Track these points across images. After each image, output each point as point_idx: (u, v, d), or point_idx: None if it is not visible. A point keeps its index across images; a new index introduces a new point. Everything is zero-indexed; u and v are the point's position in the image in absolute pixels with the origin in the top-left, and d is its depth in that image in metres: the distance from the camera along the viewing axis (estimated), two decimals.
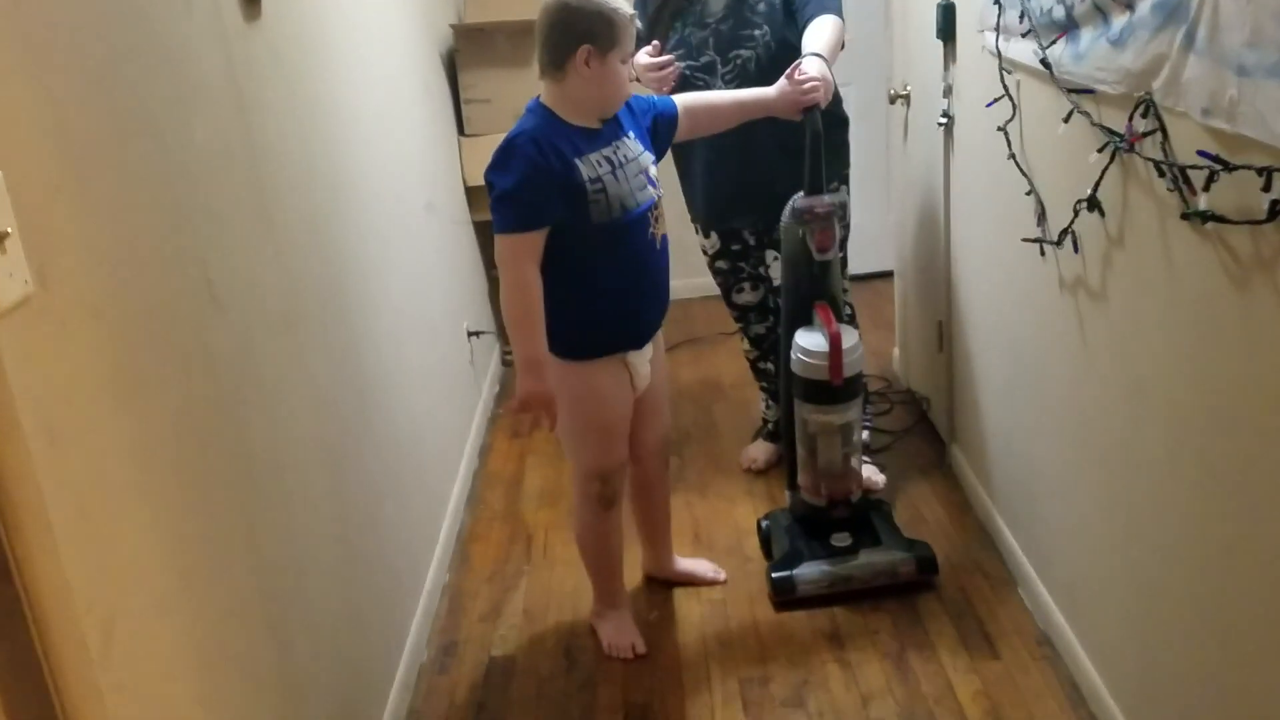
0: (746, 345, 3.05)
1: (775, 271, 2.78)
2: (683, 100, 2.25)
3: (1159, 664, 1.73)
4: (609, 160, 2.00)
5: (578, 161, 1.95)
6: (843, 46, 2.48)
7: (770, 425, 3.06)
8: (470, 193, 3.62)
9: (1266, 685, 1.40)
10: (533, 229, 1.94)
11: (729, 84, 2.59)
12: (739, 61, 2.60)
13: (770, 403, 3.05)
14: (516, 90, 3.55)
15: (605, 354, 2.09)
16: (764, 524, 2.63)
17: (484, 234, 3.83)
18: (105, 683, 1.07)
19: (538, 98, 2.03)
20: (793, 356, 2.38)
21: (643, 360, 2.19)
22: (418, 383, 2.64)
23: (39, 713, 1.01)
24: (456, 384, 3.15)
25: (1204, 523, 1.53)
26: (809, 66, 2.28)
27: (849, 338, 2.34)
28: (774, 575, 2.41)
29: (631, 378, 2.17)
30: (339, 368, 2.02)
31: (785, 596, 2.39)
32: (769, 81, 2.34)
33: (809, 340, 2.34)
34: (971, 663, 2.18)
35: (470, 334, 3.34)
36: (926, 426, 3.15)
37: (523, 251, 1.94)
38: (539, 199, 1.93)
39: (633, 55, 2.14)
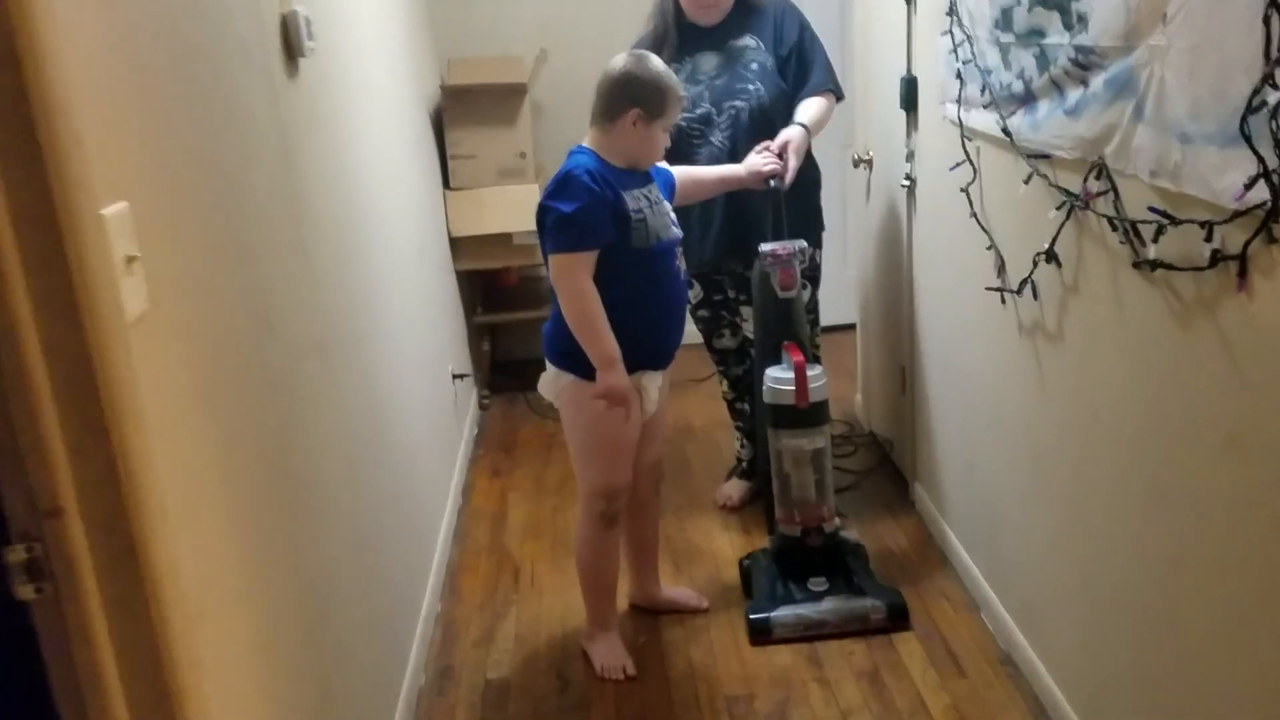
0: (725, 387, 3.24)
1: (749, 326, 2.99)
2: (676, 172, 2.52)
3: (1112, 675, 1.91)
4: (645, 198, 2.26)
5: (624, 194, 2.20)
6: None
7: (744, 464, 3.23)
8: (454, 243, 3.78)
9: (1209, 689, 1.58)
10: (587, 248, 2.18)
11: (724, 133, 2.82)
12: (733, 112, 2.82)
13: (745, 442, 3.22)
14: (499, 148, 3.77)
15: (593, 395, 2.24)
16: (745, 563, 2.77)
17: (465, 282, 3.99)
18: (197, 657, 1.20)
19: (581, 144, 2.29)
20: (764, 389, 2.57)
21: (655, 384, 2.37)
22: (412, 418, 2.77)
23: (151, 681, 1.13)
24: (442, 423, 3.28)
25: (1150, 543, 1.72)
26: (782, 137, 2.64)
27: (814, 369, 2.55)
28: (751, 617, 2.54)
29: (643, 400, 2.34)
30: (358, 395, 2.16)
31: (761, 638, 2.51)
32: (760, 128, 2.75)
33: (778, 372, 2.55)
34: (941, 681, 2.34)
35: (454, 376, 3.47)
36: (889, 467, 3.34)
37: (579, 267, 2.18)
38: (594, 221, 2.16)
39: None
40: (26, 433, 1.03)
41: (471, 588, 2.86)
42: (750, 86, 2.81)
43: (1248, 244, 1.35)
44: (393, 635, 2.30)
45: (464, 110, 3.78)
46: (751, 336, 2.94)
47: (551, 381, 2.36)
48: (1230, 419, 1.46)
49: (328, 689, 1.75)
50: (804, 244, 2.60)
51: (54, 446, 1.04)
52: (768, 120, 2.77)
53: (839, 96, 2.90)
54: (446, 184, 3.80)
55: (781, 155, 2.63)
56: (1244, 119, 1.30)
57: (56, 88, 1.00)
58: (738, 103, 2.81)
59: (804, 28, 2.89)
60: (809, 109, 2.76)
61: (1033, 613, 2.28)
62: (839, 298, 4.09)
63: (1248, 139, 1.29)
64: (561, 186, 2.20)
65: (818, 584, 2.58)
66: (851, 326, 3.87)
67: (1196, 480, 1.56)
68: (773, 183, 2.62)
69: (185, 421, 1.27)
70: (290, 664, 1.58)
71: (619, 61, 2.29)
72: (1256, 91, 1.28)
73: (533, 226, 2.28)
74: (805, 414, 2.53)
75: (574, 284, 2.19)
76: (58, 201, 1.00)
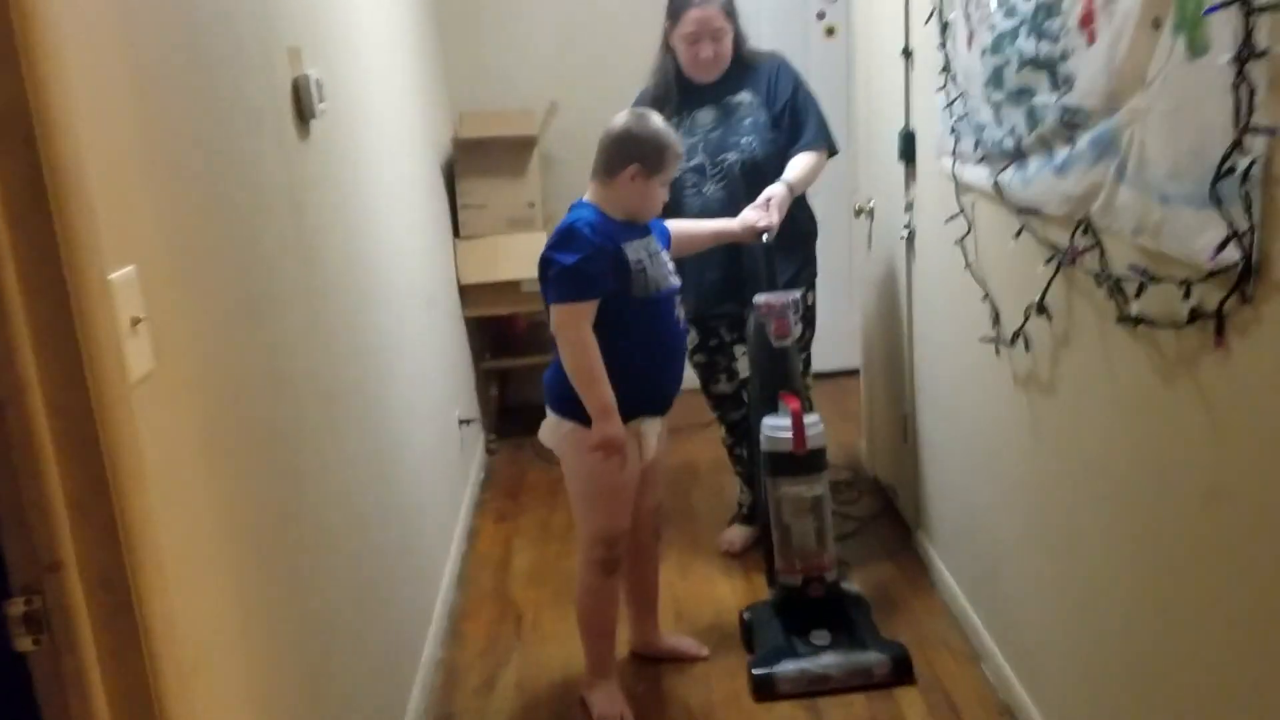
0: (723, 432, 3.27)
1: (743, 365, 3.05)
2: (672, 226, 2.58)
3: None
4: (645, 249, 2.32)
5: (624, 245, 2.26)
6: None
7: (745, 509, 3.25)
8: (463, 290, 3.84)
9: None
10: (589, 299, 2.23)
11: (717, 183, 2.92)
12: (725, 164, 2.91)
13: (745, 487, 3.25)
14: (509, 198, 3.84)
15: (626, 420, 2.28)
16: (746, 616, 2.74)
17: (474, 329, 4.05)
18: (191, 709, 1.23)
19: (583, 197, 2.35)
20: (761, 438, 2.58)
21: (654, 431, 2.40)
22: (418, 464, 2.81)
23: None
24: (448, 468, 3.32)
25: (1138, 594, 1.73)
26: (765, 194, 2.74)
27: (810, 416, 2.57)
28: (755, 672, 2.50)
29: (641, 447, 2.37)
30: (363, 443, 2.20)
31: (765, 694, 2.48)
32: (751, 179, 2.86)
33: (774, 420, 2.57)
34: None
35: (461, 422, 3.51)
36: (893, 514, 3.35)
37: (580, 317, 2.23)
38: (596, 272, 2.22)
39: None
40: (29, 489, 1.07)
41: (474, 634, 2.88)
42: (743, 140, 2.91)
43: (1223, 303, 1.38)
44: (394, 682, 2.32)
45: (475, 161, 3.86)
46: (745, 377, 2.99)
47: (552, 429, 2.40)
48: (1210, 473, 1.48)
49: None
50: (797, 295, 2.65)
51: (56, 503, 1.08)
52: (759, 172, 2.87)
53: (832, 151, 2.98)
54: (456, 233, 3.87)
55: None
56: (1214, 184, 1.33)
57: (69, 162, 1.05)
58: (731, 155, 2.91)
59: (798, 85, 2.97)
60: (796, 166, 2.86)
61: (1031, 663, 2.29)
62: (844, 343, 4.13)
63: (1218, 203, 1.33)
64: (564, 239, 2.25)
65: (820, 638, 2.56)
66: (856, 372, 3.89)
67: (1179, 532, 1.58)
68: (765, 237, 2.68)
69: (191, 473, 1.32)
70: (290, 713, 1.60)
71: (620, 119, 2.35)
72: (1226, 157, 1.31)
73: None
74: (803, 461, 2.54)
75: (574, 334, 2.24)
76: (66, 269, 1.05)
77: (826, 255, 4.28)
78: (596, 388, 2.24)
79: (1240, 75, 1.28)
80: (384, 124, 2.83)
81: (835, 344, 4.26)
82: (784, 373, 2.63)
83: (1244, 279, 1.34)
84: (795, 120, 2.93)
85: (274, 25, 1.87)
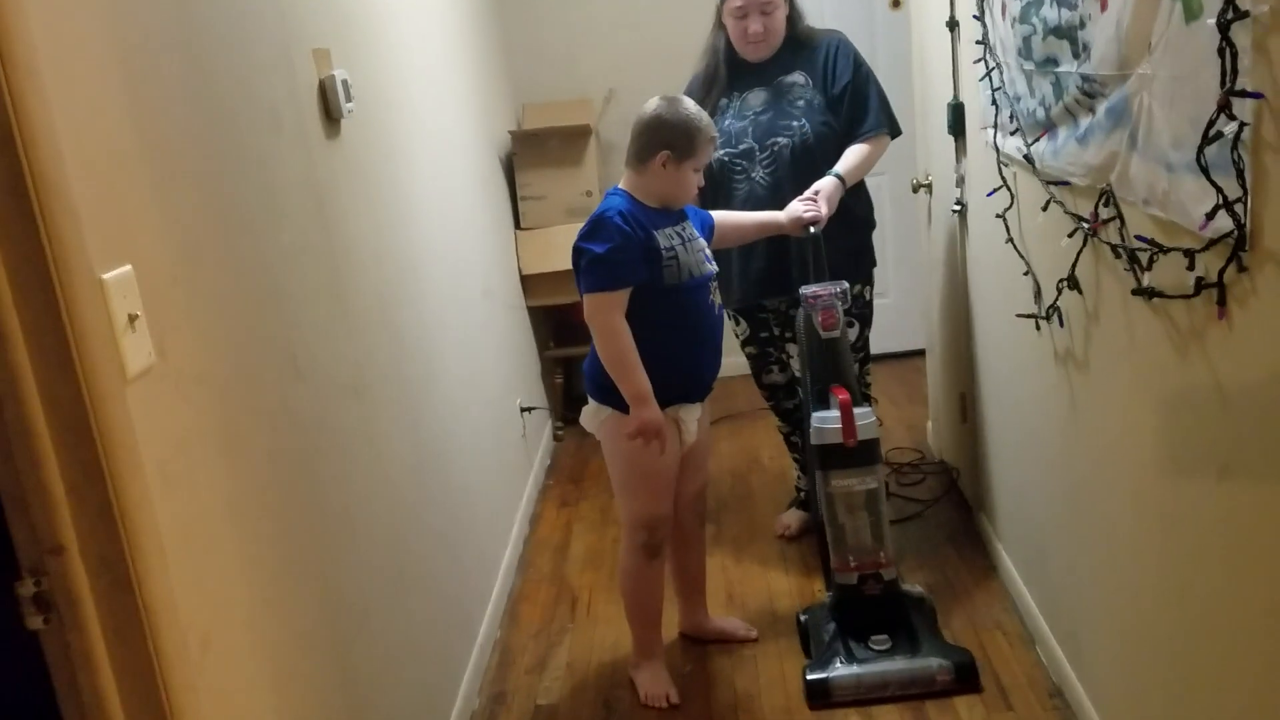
0: (779, 421, 3.26)
1: (796, 364, 2.97)
2: (717, 216, 2.57)
3: (1145, 705, 1.86)
4: (679, 235, 2.33)
5: (655, 233, 2.28)
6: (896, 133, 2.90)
7: (803, 494, 3.24)
8: (525, 280, 3.90)
9: (1228, 709, 1.54)
10: (620, 288, 2.26)
11: (766, 169, 2.82)
12: (775, 148, 2.81)
13: (803, 473, 3.23)
14: (567, 188, 3.88)
15: (663, 407, 2.30)
16: (803, 618, 2.65)
17: (538, 318, 4.11)
18: (201, 686, 1.30)
19: (618, 185, 2.38)
20: (811, 432, 2.51)
21: (692, 417, 2.42)
22: (473, 451, 2.88)
23: (149, 705, 1.23)
24: (509, 455, 3.39)
25: (1165, 571, 1.68)
26: (816, 186, 2.68)
27: (862, 408, 2.49)
28: (809, 678, 2.41)
29: (681, 432, 2.39)
30: (400, 433, 2.27)
31: (819, 702, 2.39)
32: (802, 166, 2.77)
33: (824, 413, 2.49)
34: (987, 714, 2.31)
35: (523, 409, 3.58)
36: (956, 495, 3.30)
37: (611, 306, 2.26)
38: (625, 261, 2.25)
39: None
40: (29, 477, 1.15)
41: (529, 615, 2.95)
42: (795, 123, 2.81)
43: (1221, 272, 1.33)
44: (444, 661, 2.40)
45: (533, 153, 3.91)
46: (798, 374, 2.93)
47: (592, 415, 2.44)
48: (1222, 448, 1.43)
49: (360, 713, 1.85)
50: (845, 285, 2.56)
51: (54, 490, 1.15)
52: (810, 157, 2.78)
53: (895, 133, 2.87)
54: (517, 224, 3.93)
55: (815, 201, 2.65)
56: (1200, 149, 1.28)
57: (52, 166, 1.12)
58: (781, 139, 2.81)
59: (858, 65, 2.85)
60: (850, 157, 2.78)
61: (1079, 644, 2.24)
62: (911, 323, 4.07)
63: (1204, 169, 1.28)
64: (595, 228, 2.28)
65: (880, 642, 2.44)
66: (922, 352, 3.83)
67: (1199, 509, 1.53)
68: (812, 229, 2.63)
69: (199, 462, 1.39)
70: (316, 688, 1.67)
71: (651, 105, 2.36)
72: (1211, 123, 1.27)
73: None
74: (854, 453, 2.45)
75: (606, 322, 2.27)
76: (53, 268, 1.12)
77: (895, 233, 4.27)
78: (631, 374, 2.26)
79: (1225, 38, 1.24)
80: (432, 119, 2.90)
81: (903, 324, 4.21)
82: (834, 365, 2.56)
83: (1240, 248, 1.29)
84: (856, 103, 2.82)
85: (297, 28, 1.94)
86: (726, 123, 2.86)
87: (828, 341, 2.57)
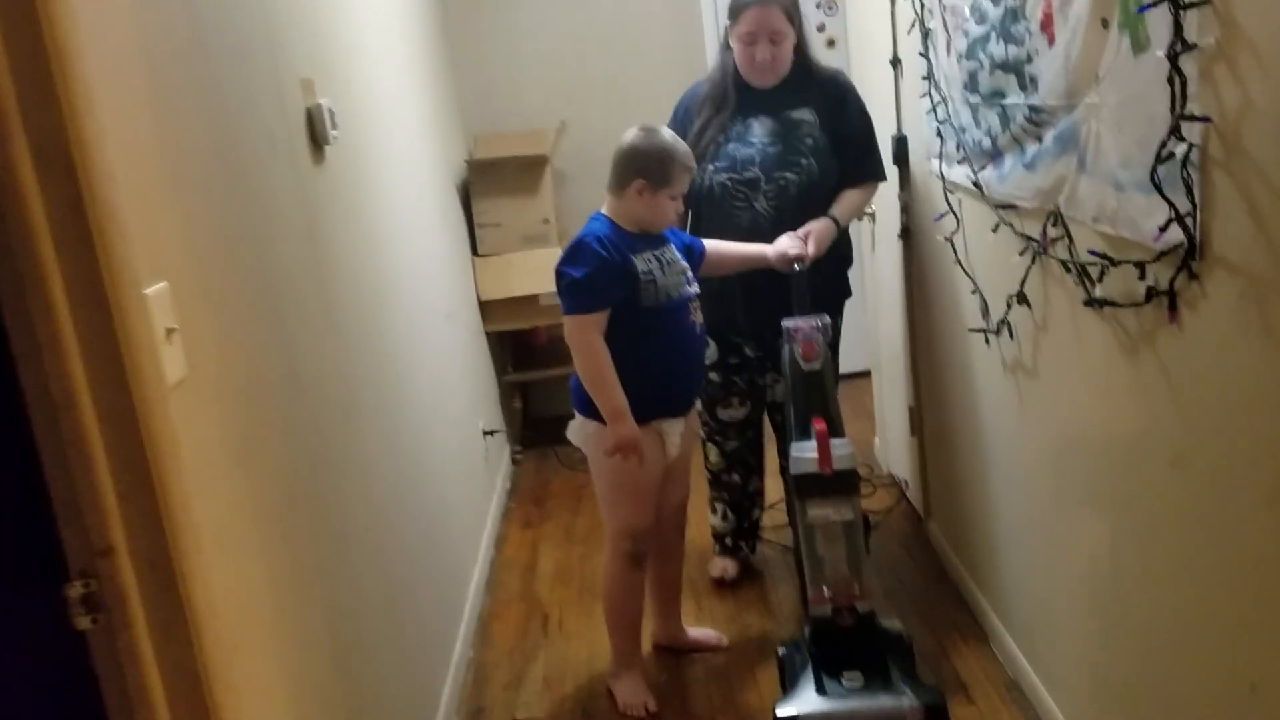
0: (715, 457, 3.11)
1: (776, 392, 2.96)
2: (708, 245, 2.66)
3: (1100, 688, 2.00)
4: (657, 259, 2.44)
5: (633, 256, 2.38)
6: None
7: (728, 540, 3.17)
8: (483, 306, 3.98)
9: (1175, 691, 1.68)
10: (596, 310, 2.37)
11: (769, 201, 2.80)
12: (782, 183, 2.79)
13: (729, 515, 3.15)
14: (523, 216, 3.98)
15: (645, 421, 2.41)
16: (781, 652, 2.59)
17: (496, 344, 4.19)
18: (233, 682, 1.35)
19: (600, 210, 2.49)
20: (790, 462, 2.44)
21: (675, 430, 2.52)
22: (442, 472, 2.94)
23: (193, 703, 1.29)
24: (474, 477, 3.45)
25: (1119, 559, 1.83)
26: (809, 226, 2.72)
27: (839, 439, 2.43)
28: (778, 714, 2.34)
29: (664, 445, 2.49)
30: (383, 451, 2.33)
31: None
32: (804, 203, 2.78)
33: (803, 444, 2.45)
34: (950, 709, 2.42)
35: (485, 433, 3.64)
36: (906, 506, 3.45)
37: (589, 326, 2.37)
38: (602, 285, 2.35)
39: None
40: (82, 482, 1.20)
41: (502, 633, 3.00)
42: (803, 160, 2.80)
43: (1173, 280, 1.48)
44: (424, 677, 2.45)
45: (489, 181, 4.00)
46: (778, 401, 2.95)
47: (578, 428, 2.53)
48: (1173, 441, 1.58)
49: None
50: (827, 318, 2.57)
51: (105, 494, 1.21)
52: (813, 196, 2.79)
53: (884, 179, 2.95)
54: (475, 251, 4.01)
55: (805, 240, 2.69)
56: (1154, 168, 1.43)
57: (104, 190, 1.19)
58: (789, 174, 2.80)
59: (864, 114, 2.90)
60: (847, 200, 2.83)
61: (1034, 636, 2.38)
62: (856, 345, 4.22)
63: (1158, 187, 1.43)
64: (573, 253, 2.40)
65: (852, 679, 2.39)
66: (867, 374, 4.00)
67: (1151, 499, 1.67)
68: (796, 266, 2.67)
69: (221, 471, 1.44)
70: (322, 695, 1.73)
71: (628, 135, 2.48)
72: (1164, 144, 1.42)
73: None
74: (830, 481, 2.39)
75: (585, 341, 2.37)
76: (107, 285, 1.18)
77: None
78: (608, 391, 2.36)
79: (1175, 68, 1.39)
80: (398, 149, 2.98)
81: (852, 346, 4.36)
82: (814, 397, 2.55)
83: (1190, 257, 1.44)
84: (860, 150, 2.87)
85: (287, 58, 2.01)
86: (731, 146, 2.83)
87: (809, 373, 2.56)
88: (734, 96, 2.85)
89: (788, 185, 2.80)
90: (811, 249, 2.68)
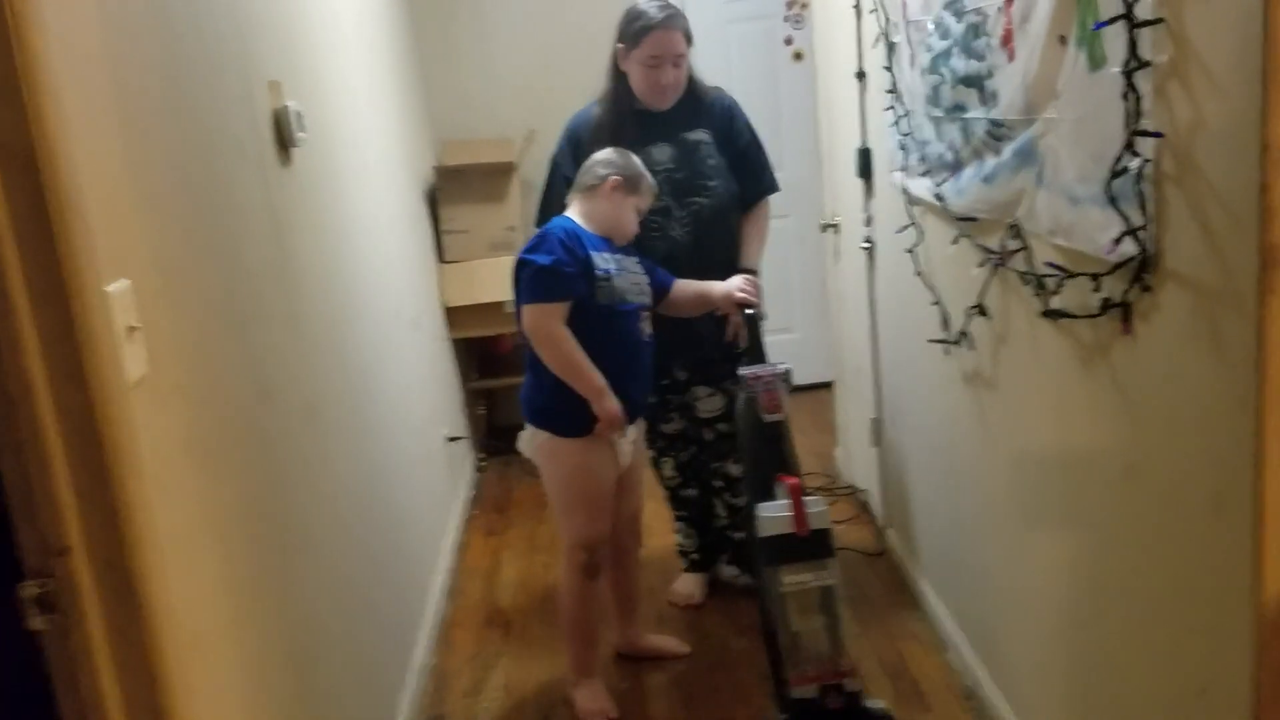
0: (669, 471, 3.08)
1: (704, 406, 2.94)
2: (675, 283, 2.67)
3: (1057, 693, 2.03)
4: (616, 262, 2.47)
5: (594, 254, 2.41)
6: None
7: (694, 555, 3.14)
8: (449, 312, 3.97)
9: (1129, 693, 1.71)
10: (560, 299, 2.38)
11: (684, 227, 2.77)
12: (694, 208, 2.78)
13: (690, 531, 3.12)
14: (490, 223, 3.98)
15: (595, 430, 2.42)
16: None
17: (461, 351, 4.18)
18: (189, 684, 1.34)
19: (565, 214, 2.53)
20: (756, 522, 2.26)
21: (626, 441, 2.52)
22: (405, 478, 2.93)
23: (148, 704, 1.27)
24: (437, 484, 3.43)
25: (1075, 567, 1.86)
26: (747, 278, 2.75)
27: (812, 497, 2.26)
28: None
29: (616, 454, 2.50)
30: (346, 457, 2.32)
31: None
32: (715, 226, 2.80)
33: (771, 504, 2.28)
34: (909, 716, 2.45)
35: (448, 439, 3.63)
36: (867, 516, 3.47)
37: (552, 315, 2.38)
38: (569, 273, 2.37)
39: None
40: (39, 481, 1.19)
41: (463, 641, 2.99)
42: (711, 183, 2.79)
43: (1126, 292, 1.51)
44: (384, 683, 2.43)
45: (456, 188, 4.00)
46: (704, 418, 2.94)
47: (529, 439, 2.53)
48: (1126, 451, 1.61)
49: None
50: (788, 366, 2.51)
51: (63, 493, 1.20)
52: (723, 217, 2.82)
53: (776, 189, 2.95)
54: (441, 257, 4.00)
55: None
56: (1109, 183, 1.47)
57: (67, 185, 1.18)
58: (700, 199, 2.78)
59: (751, 127, 2.91)
60: (752, 243, 2.87)
61: (992, 645, 2.40)
62: (818, 356, 4.27)
63: (1112, 201, 1.46)
64: (539, 242, 2.42)
65: None
66: (829, 384, 4.03)
67: (1104, 509, 1.71)
68: (748, 311, 2.68)
69: (180, 470, 1.43)
70: (279, 699, 1.71)
71: (606, 150, 2.56)
72: (1118, 159, 1.45)
73: None
74: (806, 543, 2.21)
75: (549, 331, 2.37)
76: (68, 280, 1.18)
77: (802, 271, 4.49)
78: (585, 373, 2.38)
79: (1129, 84, 1.42)
80: (365, 153, 2.98)
81: (813, 357, 4.40)
82: (775, 451, 2.42)
83: (1143, 270, 1.47)
84: (753, 165, 2.88)
85: (254, 59, 2.01)
86: None
87: (770, 425, 2.44)
88: (632, 122, 2.79)
89: (700, 209, 2.78)
90: (759, 297, 2.73)
